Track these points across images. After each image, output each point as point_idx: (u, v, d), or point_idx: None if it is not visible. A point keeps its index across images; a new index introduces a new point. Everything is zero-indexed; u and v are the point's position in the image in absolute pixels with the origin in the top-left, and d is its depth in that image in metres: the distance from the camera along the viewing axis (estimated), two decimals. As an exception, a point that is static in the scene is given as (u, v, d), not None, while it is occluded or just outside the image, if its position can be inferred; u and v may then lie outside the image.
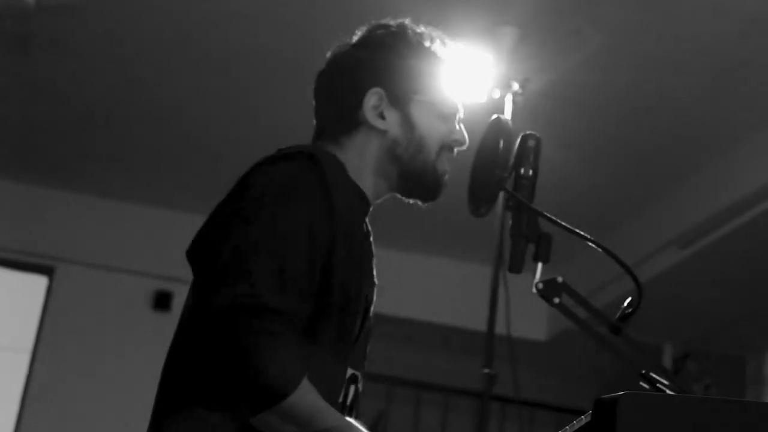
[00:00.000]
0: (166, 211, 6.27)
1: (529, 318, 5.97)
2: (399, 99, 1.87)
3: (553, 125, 4.85)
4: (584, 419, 1.26)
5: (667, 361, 6.39)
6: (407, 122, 1.87)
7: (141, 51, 4.83)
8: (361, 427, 1.62)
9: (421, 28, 1.94)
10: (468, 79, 4.14)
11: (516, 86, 4.09)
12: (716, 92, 4.61)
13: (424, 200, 1.94)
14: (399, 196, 1.95)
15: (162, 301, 6.22)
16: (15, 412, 6.11)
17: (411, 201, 1.95)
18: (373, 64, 1.88)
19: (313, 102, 1.95)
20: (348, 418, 1.63)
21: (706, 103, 4.69)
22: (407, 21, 1.95)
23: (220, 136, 5.46)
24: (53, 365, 6.16)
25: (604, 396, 1.19)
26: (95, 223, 6.39)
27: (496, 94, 4.10)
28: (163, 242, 6.11)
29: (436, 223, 5.94)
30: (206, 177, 5.58)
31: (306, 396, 1.56)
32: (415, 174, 1.88)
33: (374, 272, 1.85)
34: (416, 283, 6.59)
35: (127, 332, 6.21)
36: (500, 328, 3.82)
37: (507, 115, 3.97)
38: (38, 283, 6.39)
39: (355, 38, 1.94)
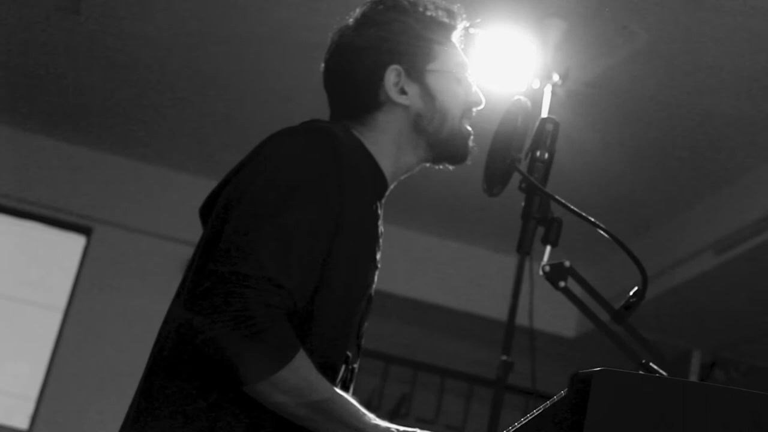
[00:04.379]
0: (205, 179, 6.31)
1: (558, 314, 5.96)
2: (416, 72, 1.90)
3: (592, 120, 4.82)
4: (563, 393, 1.26)
5: (695, 368, 6.34)
6: (427, 94, 1.90)
7: (186, 16, 4.85)
8: (353, 401, 1.63)
9: None
10: (509, 68, 4.16)
11: (556, 78, 4.06)
12: (760, 98, 4.56)
13: (453, 163, 1.99)
14: (428, 165, 1.98)
15: (195, 269, 6.27)
16: (44, 370, 6.20)
17: (440, 167, 2.00)
18: (385, 42, 1.89)
19: (325, 88, 1.95)
20: (340, 391, 1.63)
21: (749, 109, 4.63)
22: None
23: (262, 108, 5.48)
24: (84, 325, 6.23)
25: (580, 371, 1.19)
26: (136, 186, 6.46)
27: (536, 85, 4.09)
28: (200, 210, 6.14)
29: (473, 210, 5.94)
30: (247, 150, 5.59)
31: (301, 368, 1.57)
32: (444, 141, 1.93)
33: (378, 256, 1.86)
34: (449, 271, 6.60)
35: (159, 297, 6.22)
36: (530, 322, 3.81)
37: (545, 106, 3.95)
38: (76, 242, 6.47)
39: (355, 16, 1.94)
